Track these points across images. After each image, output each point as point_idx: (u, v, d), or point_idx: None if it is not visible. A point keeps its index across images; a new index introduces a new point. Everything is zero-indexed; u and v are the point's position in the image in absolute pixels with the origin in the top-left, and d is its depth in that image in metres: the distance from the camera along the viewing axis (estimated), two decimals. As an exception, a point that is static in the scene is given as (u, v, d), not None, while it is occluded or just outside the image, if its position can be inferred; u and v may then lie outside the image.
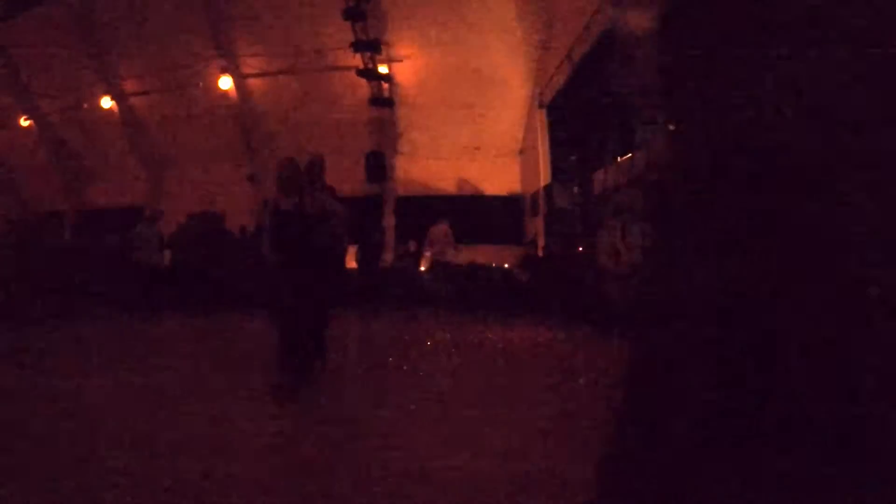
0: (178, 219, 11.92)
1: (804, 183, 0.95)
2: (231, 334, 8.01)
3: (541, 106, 12.43)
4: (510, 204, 14.10)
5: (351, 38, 12.55)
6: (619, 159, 7.42)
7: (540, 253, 11.94)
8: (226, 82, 14.09)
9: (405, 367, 5.29)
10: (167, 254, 10.67)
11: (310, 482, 2.43)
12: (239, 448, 2.90)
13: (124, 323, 8.39)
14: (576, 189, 11.60)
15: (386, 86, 13.53)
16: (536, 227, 12.73)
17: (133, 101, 15.40)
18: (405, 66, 13.43)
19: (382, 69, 13.24)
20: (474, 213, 13.21)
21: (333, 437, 3.11)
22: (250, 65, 14.23)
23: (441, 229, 9.94)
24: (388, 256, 13.72)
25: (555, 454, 2.82)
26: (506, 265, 11.89)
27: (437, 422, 3.40)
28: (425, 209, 11.67)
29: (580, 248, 9.64)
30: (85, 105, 15.57)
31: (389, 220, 14.42)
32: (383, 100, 13.54)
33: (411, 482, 2.41)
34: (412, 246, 13.14)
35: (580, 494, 2.14)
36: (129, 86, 15.34)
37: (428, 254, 10.68)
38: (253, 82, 14.49)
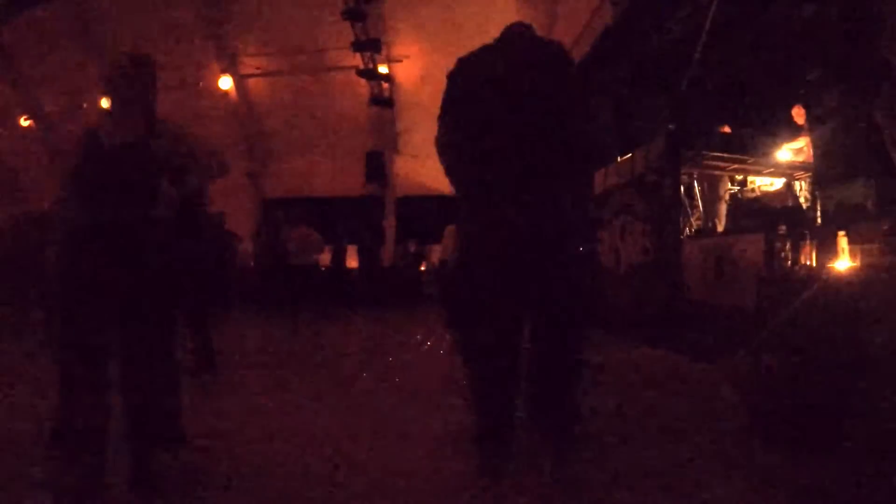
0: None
1: None
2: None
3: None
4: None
5: (351, 38, 12.56)
6: (619, 159, 7.41)
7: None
8: (226, 82, 14.10)
9: (404, 367, 5.28)
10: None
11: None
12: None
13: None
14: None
15: (386, 86, 13.54)
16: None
17: (133, 101, 15.38)
18: (405, 66, 13.44)
19: (382, 69, 13.25)
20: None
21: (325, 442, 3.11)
22: (250, 65, 14.24)
23: (452, 229, 10.01)
24: (388, 256, 13.73)
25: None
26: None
27: (436, 423, 3.38)
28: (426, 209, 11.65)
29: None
30: (85, 105, 15.56)
31: (389, 220, 14.42)
32: (383, 100, 13.55)
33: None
34: (412, 246, 13.15)
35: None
36: (130, 86, 15.33)
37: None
38: (253, 82, 14.49)
